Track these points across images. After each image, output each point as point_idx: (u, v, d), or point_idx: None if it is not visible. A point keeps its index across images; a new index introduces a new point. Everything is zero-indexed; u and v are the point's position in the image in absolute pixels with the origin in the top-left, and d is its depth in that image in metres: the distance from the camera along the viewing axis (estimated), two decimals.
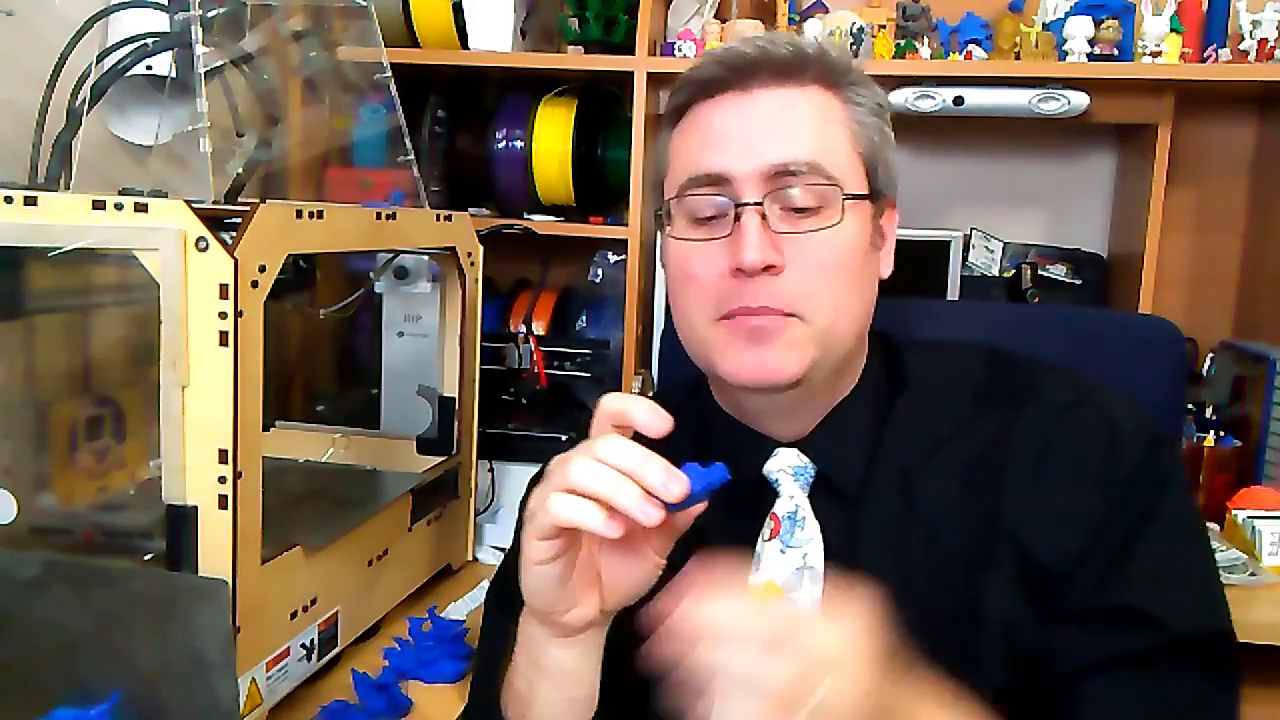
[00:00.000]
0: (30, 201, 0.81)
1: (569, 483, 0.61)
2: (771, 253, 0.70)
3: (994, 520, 0.72)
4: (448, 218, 1.22)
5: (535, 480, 0.91)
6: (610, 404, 0.64)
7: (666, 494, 0.60)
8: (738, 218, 0.71)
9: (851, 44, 1.57)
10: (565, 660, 0.69)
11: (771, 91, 0.74)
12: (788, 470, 0.77)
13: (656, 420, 0.62)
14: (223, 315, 0.78)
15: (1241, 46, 1.53)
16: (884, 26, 1.60)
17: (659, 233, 0.82)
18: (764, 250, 0.70)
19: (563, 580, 0.65)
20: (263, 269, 0.83)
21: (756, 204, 0.71)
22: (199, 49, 0.97)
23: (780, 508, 0.76)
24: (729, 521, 0.77)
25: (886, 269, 0.80)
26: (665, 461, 0.61)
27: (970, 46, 1.59)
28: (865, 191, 0.75)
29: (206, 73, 0.98)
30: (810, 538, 0.74)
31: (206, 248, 0.78)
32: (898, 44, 1.59)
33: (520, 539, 0.67)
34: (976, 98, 1.54)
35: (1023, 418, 0.75)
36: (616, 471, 0.60)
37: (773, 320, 0.71)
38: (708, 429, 0.82)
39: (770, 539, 0.75)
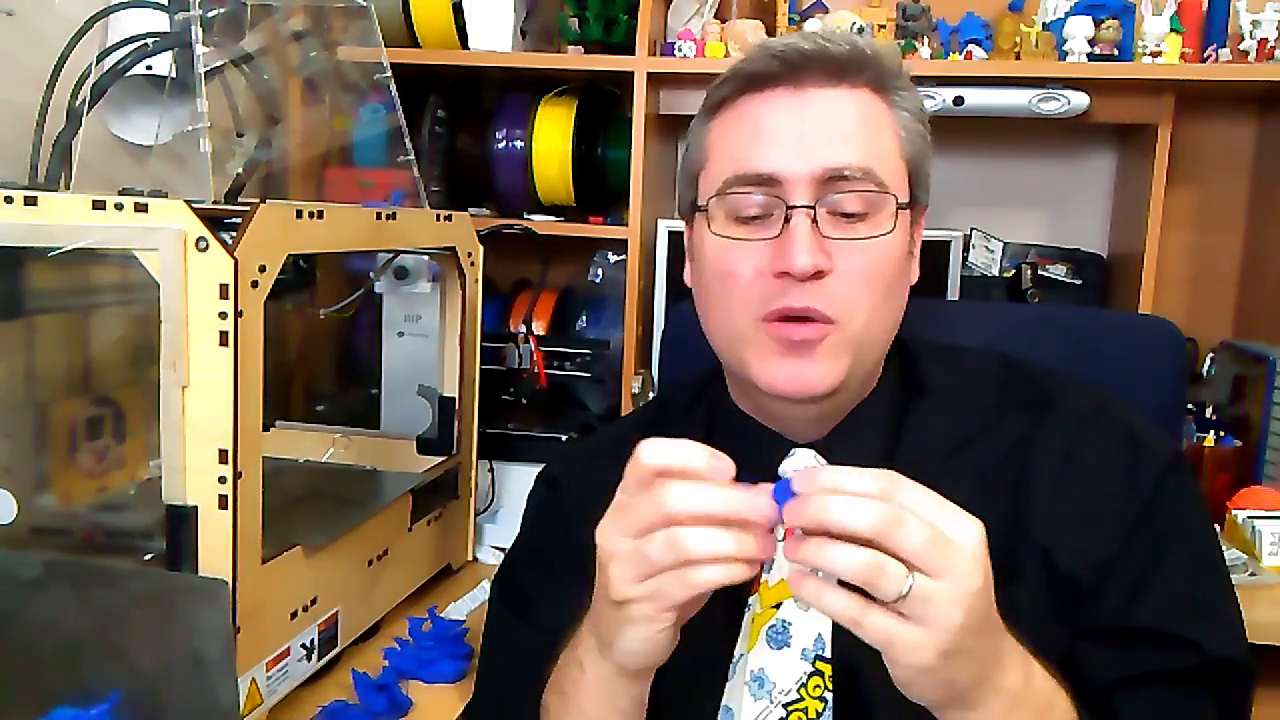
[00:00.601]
0: (30, 201, 0.81)
1: (686, 555, 0.56)
2: (821, 257, 0.69)
3: (1018, 528, 0.71)
4: (448, 218, 1.22)
5: (540, 482, 0.91)
6: (654, 456, 0.58)
7: (761, 518, 0.56)
8: (787, 219, 0.70)
9: None
10: (642, 693, 0.68)
11: (825, 91, 0.72)
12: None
13: (721, 466, 0.58)
14: (223, 315, 0.78)
15: (1241, 46, 1.53)
16: (884, 26, 1.60)
17: (687, 226, 0.81)
18: (815, 255, 0.68)
19: (675, 631, 0.62)
20: (263, 269, 0.83)
21: (808, 207, 0.69)
22: (199, 49, 0.98)
23: None
24: None
25: (915, 275, 0.80)
26: (738, 490, 0.57)
27: (970, 46, 1.59)
28: (909, 199, 0.74)
29: (206, 73, 0.98)
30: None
31: (206, 248, 0.78)
32: (897, 44, 1.58)
33: (608, 612, 0.62)
34: (976, 98, 1.54)
35: (1043, 427, 0.74)
36: (718, 523, 0.56)
37: (815, 330, 0.70)
38: (719, 427, 0.82)
39: (784, 539, 0.75)
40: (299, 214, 0.90)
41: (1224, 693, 0.69)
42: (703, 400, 0.85)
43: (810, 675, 0.72)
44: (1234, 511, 1.37)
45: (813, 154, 0.70)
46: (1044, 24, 1.59)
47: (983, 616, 0.54)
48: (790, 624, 0.73)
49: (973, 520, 0.54)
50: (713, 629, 0.75)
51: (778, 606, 0.73)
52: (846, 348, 0.71)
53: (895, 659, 0.54)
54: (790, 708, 0.71)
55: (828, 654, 0.72)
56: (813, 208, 0.69)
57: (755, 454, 0.77)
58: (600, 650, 0.65)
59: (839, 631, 0.72)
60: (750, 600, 0.75)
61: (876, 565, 0.51)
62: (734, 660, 0.74)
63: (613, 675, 0.66)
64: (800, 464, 0.76)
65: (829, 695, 0.71)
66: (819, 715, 0.71)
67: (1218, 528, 1.40)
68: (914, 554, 0.51)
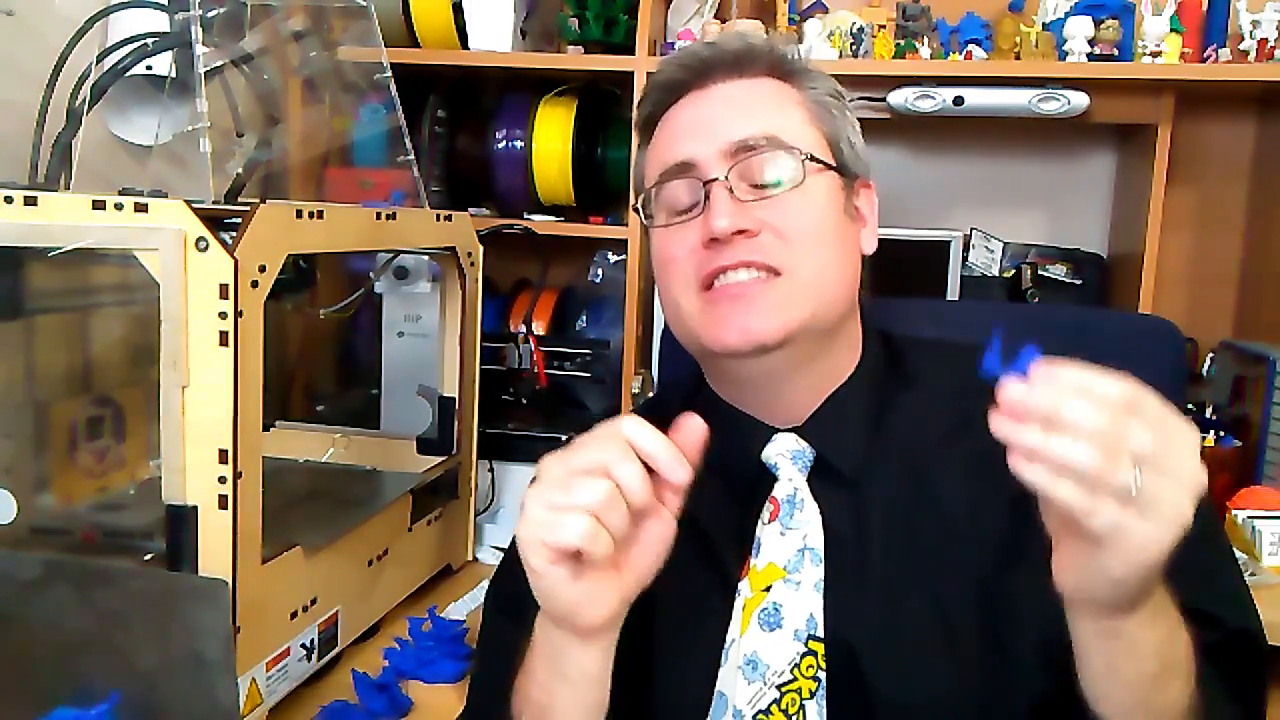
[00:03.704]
0: (30, 201, 0.81)
1: (571, 503, 0.60)
2: (741, 218, 0.73)
3: (1019, 511, 0.71)
4: (448, 218, 1.22)
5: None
6: (632, 431, 0.62)
7: (673, 474, 0.60)
8: (707, 196, 0.75)
9: (851, 44, 1.57)
10: (588, 663, 0.67)
11: (728, 83, 0.79)
12: (786, 455, 0.77)
13: (678, 470, 0.61)
14: (223, 315, 0.78)
15: (1241, 46, 1.53)
16: (884, 26, 1.60)
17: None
18: (733, 216, 0.73)
19: (574, 578, 0.62)
20: (263, 269, 0.83)
21: (722, 180, 0.74)
22: (199, 49, 0.98)
23: (779, 491, 0.77)
24: (729, 508, 0.78)
25: (869, 246, 0.82)
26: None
27: (970, 46, 1.59)
28: (831, 163, 0.78)
29: (206, 73, 0.98)
30: (809, 519, 0.75)
31: (206, 248, 0.78)
32: (898, 44, 1.59)
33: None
34: (976, 98, 1.54)
35: None
36: (619, 467, 0.60)
37: (753, 283, 0.73)
38: (705, 418, 0.82)
39: (770, 522, 0.76)
40: (299, 214, 0.90)
41: (1241, 667, 0.70)
42: (695, 401, 0.85)
43: (803, 655, 0.72)
44: (1234, 511, 1.37)
45: (719, 133, 0.76)
46: (1044, 24, 1.59)
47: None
48: (781, 605, 0.73)
49: (1192, 423, 0.55)
50: (703, 617, 0.76)
51: (768, 589, 0.74)
52: (797, 299, 0.73)
53: (1122, 552, 0.53)
54: (784, 689, 0.72)
55: (820, 633, 0.72)
56: (726, 178, 0.74)
57: (738, 441, 0.78)
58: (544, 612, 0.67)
59: (831, 609, 0.72)
60: (740, 585, 0.75)
61: (1111, 461, 0.51)
62: (726, 645, 0.74)
63: (555, 637, 0.67)
64: (783, 448, 0.77)
65: (822, 674, 0.72)
66: (812, 695, 0.72)
67: None
68: (1145, 454, 0.51)
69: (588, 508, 0.59)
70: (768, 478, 0.78)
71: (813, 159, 0.76)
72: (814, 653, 0.72)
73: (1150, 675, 0.60)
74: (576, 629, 0.65)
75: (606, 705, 0.70)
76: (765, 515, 0.76)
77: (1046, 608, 0.69)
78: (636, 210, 0.82)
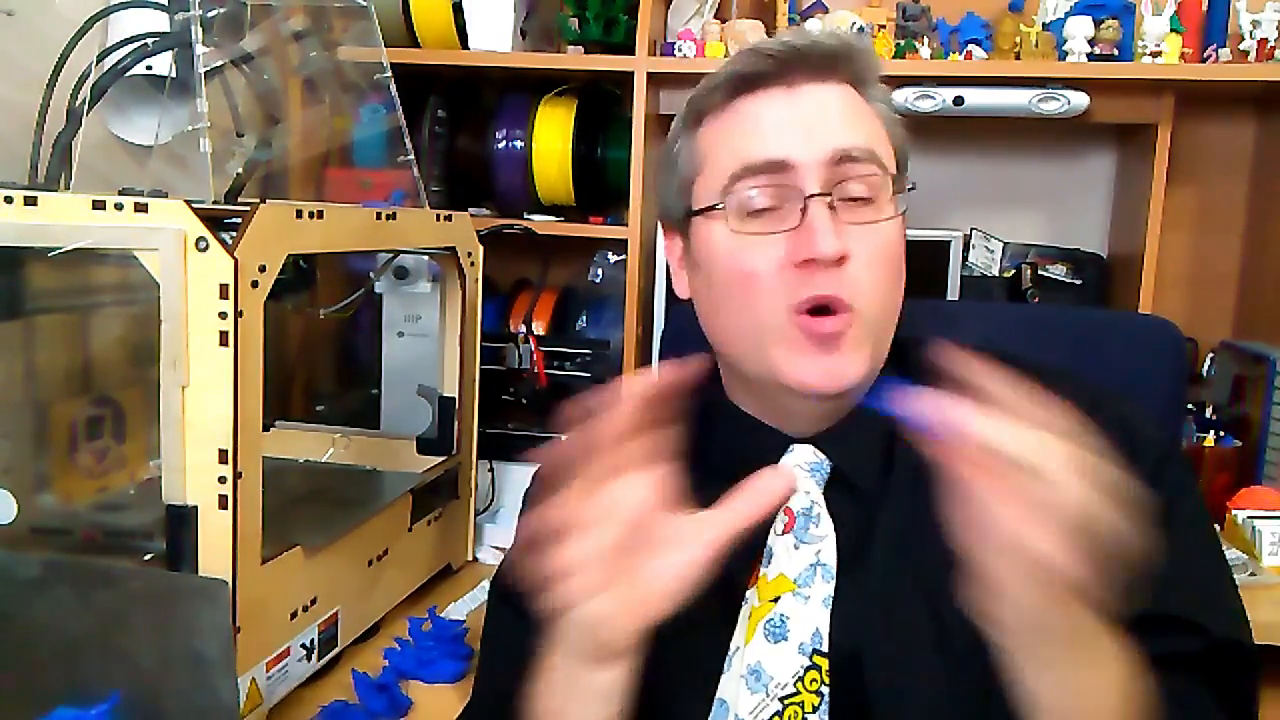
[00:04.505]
0: (30, 201, 0.81)
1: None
2: (842, 241, 0.69)
3: None
4: (448, 218, 1.22)
5: (536, 480, 0.91)
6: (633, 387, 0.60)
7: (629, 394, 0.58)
8: (803, 209, 0.70)
9: None
10: (613, 682, 0.65)
11: (815, 85, 0.73)
12: (804, 466, 0.76)
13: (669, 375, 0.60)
14: (223, 315, 0.78)
15: (1241, 46, 1.53)
16: (884, 26, 1.60)
17: (678, 237, 0.81)
18: (839, 239, 0.69)
19: (610, 613, 0.61)
20: (263, 269, 0.83)
21: (824, 194, 0.70)
22: (199, 49, 0.98)
23: (795, 503, 0.75)
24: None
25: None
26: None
27: (970, 46, 1.59)
28: (907, 185, 0.75)
29: (206, 73, 0.98)
30: (824, 535, 0.74)
31: (206, 248, 0.78)
32: (898, 44, 1.59)
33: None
34: (976, 98, 1.54)
35: None
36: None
37: (841, 321, 0.70)
38: (715, 424, 0.81)
39: (784, 534, 0.75)
40: (299, 214, 0.90)
41: (1230, 678, 0.69)
42: (710, 398, 0.84)
43: (807, 669, 0.72)
44: (1234, 511, 1.37)
45: (821, 138, 0.71)
46: (1044, 24, 1.59)
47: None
48: (788, 618, 0.73)
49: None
50: (709, 622, 0.75)
51: (776, 600, 0.73)
52: (867, 337, 0.72)
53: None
54: (787, 701, 0.71)
55: (825, 648, 0.72)
56: (829, 194, 0.70)
57: (754, 448, 0.77)
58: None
59: (836, 625, 0.72)
60: (748, 593, 0.74)
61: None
62: (730, 653, 0.74)
63: (574, 663, 0.64)
64: (800, 459, 0.76)
65: (826, 689, 0.71)
66: (815, 709, 0.71)
67: (1217, 528, 1.41)
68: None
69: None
70: None
71: (902, 189, 0.73)
72: (818, 667, 0.72)
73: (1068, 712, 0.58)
74: (603, 653, 0.63)
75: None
76: (779, 526, 0.75)
77: None
78: (697, 212, 0.75)
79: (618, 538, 0.58)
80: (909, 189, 0.76)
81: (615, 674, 0.65)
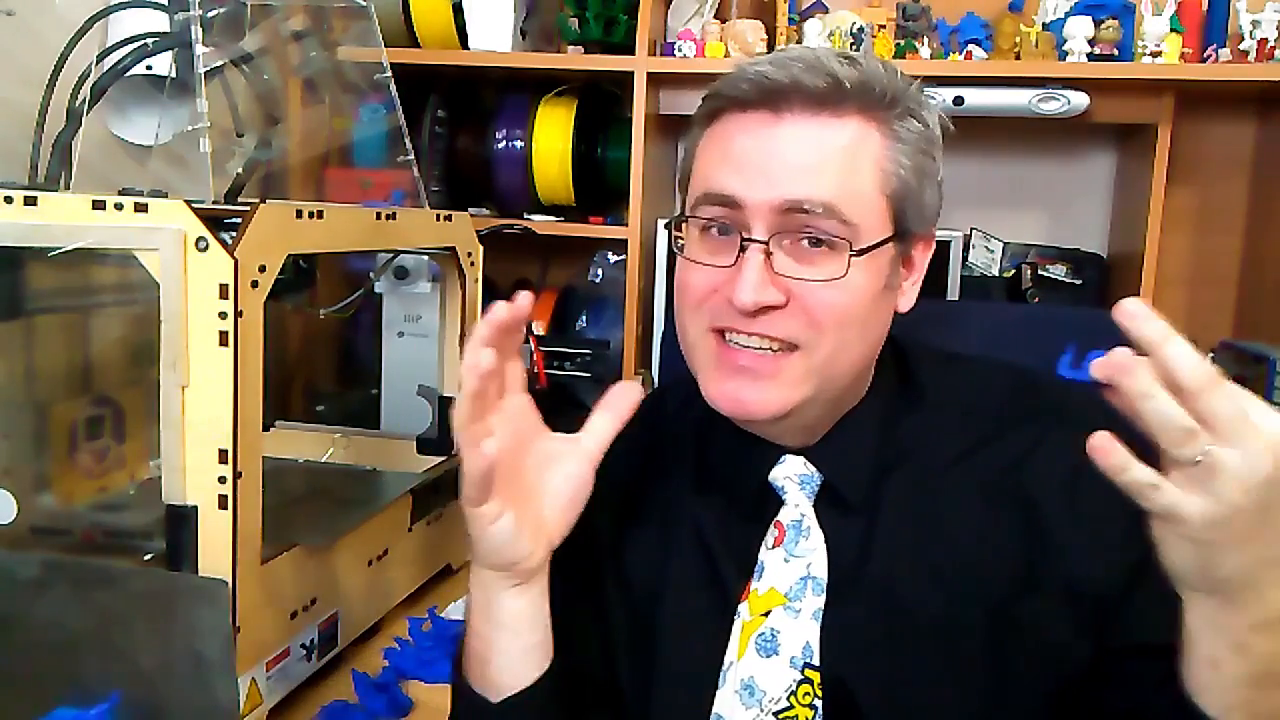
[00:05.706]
0: (30, 201, 0.81)
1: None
2: (770, 292, 0.68)
3: (1031, 541, 0.71)
4: (448, 218, 1.21)
5: None
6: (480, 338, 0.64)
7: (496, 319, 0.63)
8: (743, 249, 0.69)
9: (851, 44, 1.57)
10: (521, 608, 0.70)
11: (803, 121, 0.69)
12: (794, 478, 0.75)
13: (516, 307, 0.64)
14: (223, 315, 0.78)
15: (1241, 46, 1.53)
16: (884, 26, 1.60)
17: (667, 238, 0.82)
18: (760, 292, 0.67)
19: (501, 517, 0.65)
20: (263, 269, 0.83)
21: (761, 242, 0.68)
22: (199, 49, 0.97)
23: (785, 516, 0.75)
24: (733, 526, 0.77)
25: (907, 303, 0.77)
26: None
27: (970, 46, 1.59)
28: (885, 236, 0.71)
29: (206, 73, 0.98)
30: (814, 548, 0.73)
31: (206, 248, 0.78)
32: (898, 44, 1.59)
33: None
34: (976, 98, 1.54)
35: (1050, 439, 0.73)
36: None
37: (763, 359, 0.70)
38: (713, 433, 0.81)
39: (774, 547, 0.74)
40: (299, 214, 0.90)
41: None
42: (697, 401, 0.84)
43: (799, 683, 0.71)
44: None
45: (775, 183, 0.68)
46: (1044, 24, 1.59)
47: (1261, 509, 0.52)
48: (779, 632, 0.72)
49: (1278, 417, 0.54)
50: (702, 637, 0.75)
51: (766, 614, 0.73)
52: (807, 377, 0.70)
53: (1176, 529, 0.53)
54: (780, 716, 0.71)
55: (816, 662, 0.71)
56: (766, 243, 0.68)
57: (746, 461, 0.76)
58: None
59: (827, 639, 0.72)
60: (740, 608, 0.74)
61: (1193, 424, 0.52)
62: (723, 668, 0.74)
63: (489, 582, 0.70)
64: (790, 471, 0.76)
65: (818, 703, 0.71)
66: None
67: None
68: (1220, 421, 0.52)
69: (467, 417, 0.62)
70: (774, 498, 0.76)
71: (860, 251, 0.69)
72: (810, 681, 0.71)
73: (1253, 678, 0.57)
74: (514, 575, 0.69)
75: (549, 650, 0.71)
76: (769, 539, 0.75)
77: (1055, 641, 0.68)
78: (676, 220, 0.77)
79: (495, 459, 0.62)
80: (902, 237, 0.72)
81: (523, 602, 0.70)
